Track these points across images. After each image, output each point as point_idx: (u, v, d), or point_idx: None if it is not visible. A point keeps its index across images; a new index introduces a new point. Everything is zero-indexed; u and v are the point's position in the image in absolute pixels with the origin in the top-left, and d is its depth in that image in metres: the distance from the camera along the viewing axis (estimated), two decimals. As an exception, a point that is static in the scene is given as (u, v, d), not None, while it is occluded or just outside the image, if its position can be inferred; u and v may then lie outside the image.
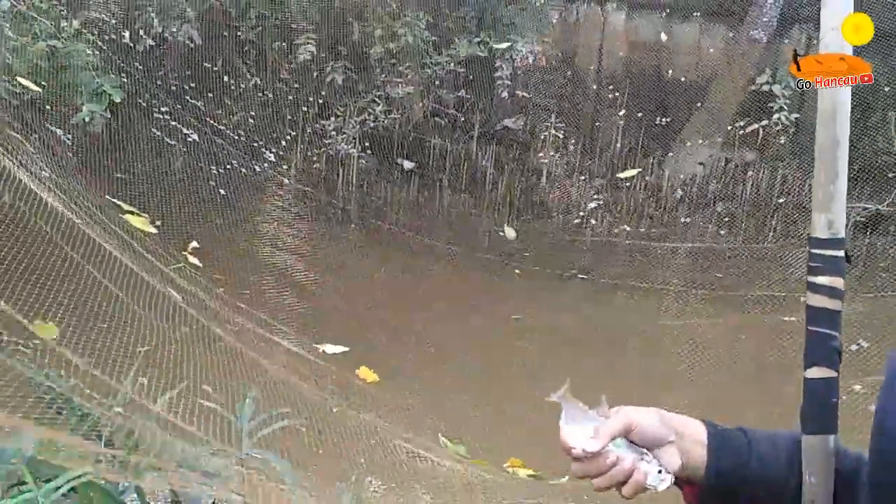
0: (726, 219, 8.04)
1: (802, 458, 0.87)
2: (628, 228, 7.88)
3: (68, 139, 6.44)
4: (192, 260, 4.40)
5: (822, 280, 0.97)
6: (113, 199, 4.32)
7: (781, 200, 8.22)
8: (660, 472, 0.98)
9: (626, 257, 7.55)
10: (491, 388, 5.23)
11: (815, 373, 0.95)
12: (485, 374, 5.46)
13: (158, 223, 4.75)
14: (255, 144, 7.82)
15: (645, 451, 0.99)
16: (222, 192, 6.79)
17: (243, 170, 7.40)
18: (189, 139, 7.44)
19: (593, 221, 7.92)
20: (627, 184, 8.17)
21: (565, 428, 1.01)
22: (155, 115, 7.73)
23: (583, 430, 1.00)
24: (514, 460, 3.66)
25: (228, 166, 7.32)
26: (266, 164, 7.82)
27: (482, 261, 7.17)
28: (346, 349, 4.73)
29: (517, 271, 6.95)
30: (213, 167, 7.24)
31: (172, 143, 7.47)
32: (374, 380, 4.03)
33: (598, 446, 0.97)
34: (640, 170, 8.05)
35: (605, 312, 6.52)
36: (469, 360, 5.65)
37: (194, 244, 4.55)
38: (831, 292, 0.98)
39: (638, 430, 0.98)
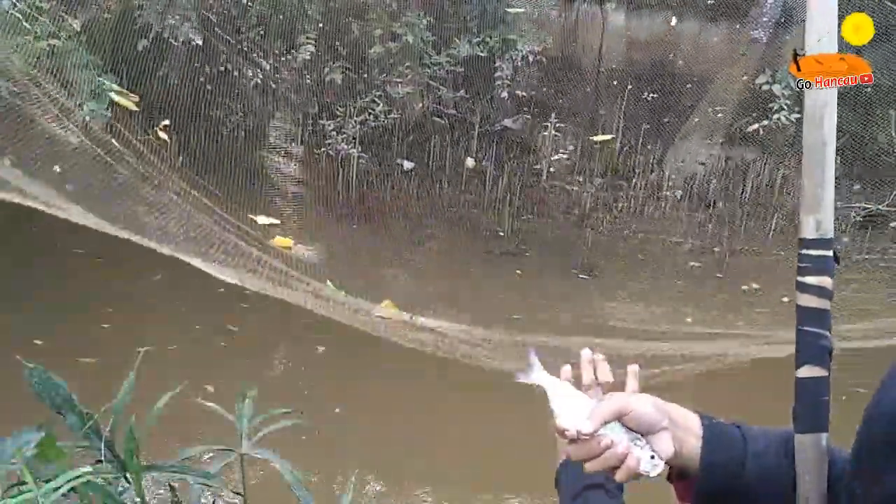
0: (727, 218, 8.05)
1: (796, 456, 0.88)
2: (628, 228, 7.88)
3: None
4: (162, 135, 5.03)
5: (811, 280, 0.98)
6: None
7: (782, 200, 8.22)
8: (652, 457, 0.97)
9: (627, 257, 7.56)
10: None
11: (806, 372, 0.96)
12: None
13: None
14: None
15: (638, 436, 0.97)
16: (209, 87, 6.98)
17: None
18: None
19: (593, 221, 7.92)
20: (599, 145, 8.13)
21: (558, 409, 1.00)
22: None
23: (576, 411, 0.99)
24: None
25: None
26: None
27: (482, 261, 7.18)
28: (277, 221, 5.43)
29: (518, 272, 6.96)
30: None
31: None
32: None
33: (592, 428, 0.96)
34: (612, 136, 8.08)
35: (606, 312, 6.52)
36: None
37: (165, 122, 5.20)
38: (820, 292, 0.99)
39: (632, 414, 0.97)
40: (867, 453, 0.71)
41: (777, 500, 0.96)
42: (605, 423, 0.98)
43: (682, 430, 0.99)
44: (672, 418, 0.99)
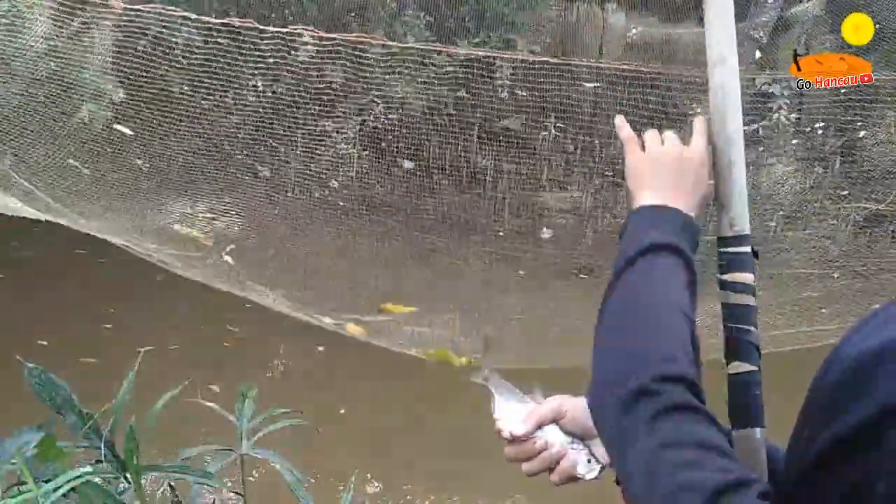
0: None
1: (735, 452, 0.86)
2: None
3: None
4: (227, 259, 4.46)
5: (731, 277, 0.98)
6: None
7: (781, 199, 8.22)
8: (589, 461, 0.97)
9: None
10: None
11: (736, 367, 0.95)
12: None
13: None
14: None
15: (576, 439, 0.98)
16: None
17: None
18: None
19: (594, 221, 7.92)
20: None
21: (497, 412, 1.02)
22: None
23: (515, 413, 1.01)
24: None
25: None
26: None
27: (482, 260, 7.17)
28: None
29: (521, 272, 6.95)
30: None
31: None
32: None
33: (524, 430, 0.97)
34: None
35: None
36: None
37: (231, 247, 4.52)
38: (743, 287, 0.99)
39: (568, 416, 0.98)
40: (821, 400, 0.71)
41: None
42: (541, 425, 0.98)
43: None
44: None
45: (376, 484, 4.46)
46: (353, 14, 7.87)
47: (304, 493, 1.82)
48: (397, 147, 8.01)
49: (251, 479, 3.72)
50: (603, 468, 0.98)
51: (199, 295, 5.92)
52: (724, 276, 0.98)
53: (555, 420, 0.99)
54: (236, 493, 2.01)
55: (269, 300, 3.84)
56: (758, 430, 0.93)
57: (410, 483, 4.55)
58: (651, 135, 1.07)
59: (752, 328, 0.97)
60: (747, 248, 0.99)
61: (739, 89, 1.05)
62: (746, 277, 0.98)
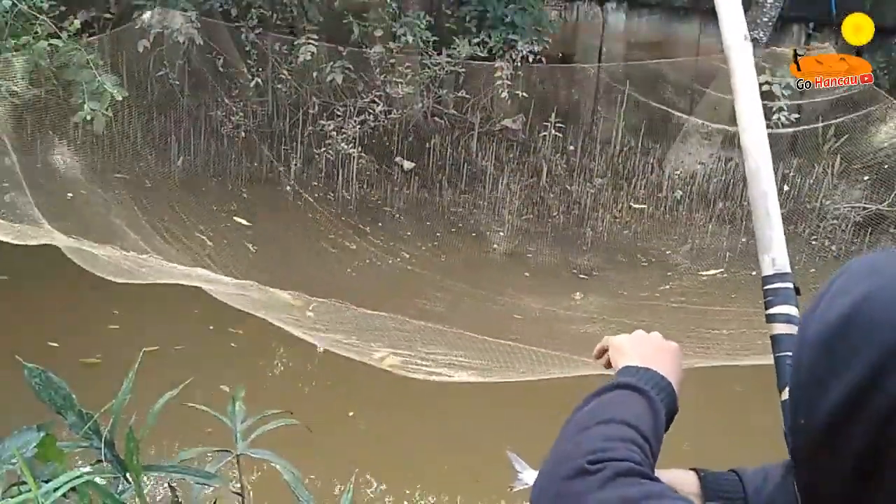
0: (727, 218, 8.04)
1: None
2: (628, 228, 7.88)
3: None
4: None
5: (777, 310, 1.09)
6: None
7: (781, 199, 8.22)
8: None
9: (627, 256, 7.56)
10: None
11: (787, 394, 0.98)
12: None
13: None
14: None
15: None
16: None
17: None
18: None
19: (593, 221, 7.92)
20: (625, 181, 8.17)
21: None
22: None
23: None
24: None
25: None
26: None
27: (482, 261, 7.18)
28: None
29: (525, 273, 6.95)
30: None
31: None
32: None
33: None
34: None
35: (606, 312, 6.52)
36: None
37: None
38: (788, 318, 1.09)
39: None
40: (804, 384, 0.78)
41: None
42: None
43: (677, 488, 1.02)
44: (667, 480, 0.99)
45: (376, 485, 4.47)
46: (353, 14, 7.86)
47: (305, 492, 1.82)
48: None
49: (254, 478, 3.72)
50: None
51: (204, 296, 5.93)
52: (770, 311, 1.09)
53: None
54: (236, 493, 2.02)
55: (335, 340, 4.01)
56: None
57: (411, 484, 4.55)
58: (636, 334, 1.16)
59: None
60: (789, 284, 1.10)
61: (769, 150, 1.16)
62: (790, 310, 1.08)
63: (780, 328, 1.07)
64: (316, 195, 7.83)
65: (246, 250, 6.70)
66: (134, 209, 6.85)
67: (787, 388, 0.97)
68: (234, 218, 7.23)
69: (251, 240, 6.93)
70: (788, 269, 1.12)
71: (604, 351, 1.16)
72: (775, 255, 1.12)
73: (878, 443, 0.70)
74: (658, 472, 0.98)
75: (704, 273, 7.31)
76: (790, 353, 1.01)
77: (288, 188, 7.93)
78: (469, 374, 3.97)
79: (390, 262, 6.95)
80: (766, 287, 1.10)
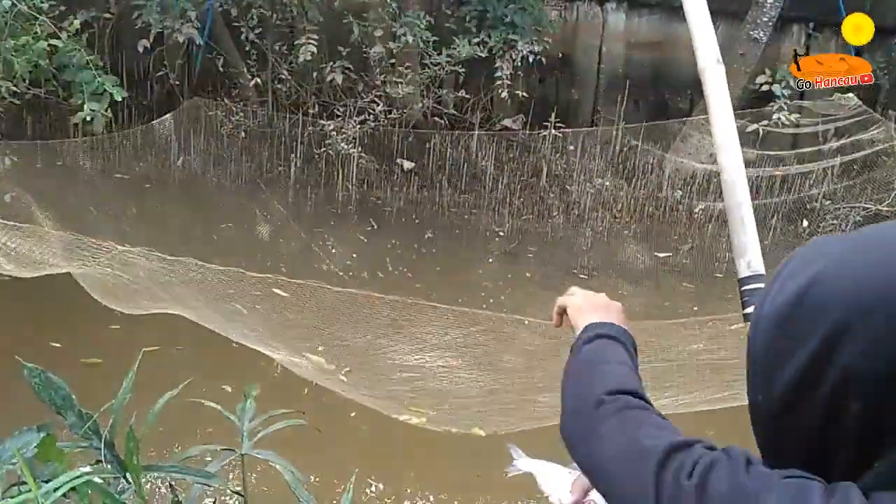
0: (727, 218, 8.03)
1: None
2: (628, 228, 7.88)
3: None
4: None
5: (752, 310, 1.14)
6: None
7: (782, 199, 8.22)
8: None
9: (627, 257, 7.56)
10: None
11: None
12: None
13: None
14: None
15: None
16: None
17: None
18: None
19: (593, 221, 7.92)
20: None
21: (546, 489, 1.18)
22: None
23: (562, 485, 1.17)
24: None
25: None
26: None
27: (482, 261, 7.18)
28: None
29: (527, 274, 6.95)
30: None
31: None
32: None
33: (574, 498, 1.14)
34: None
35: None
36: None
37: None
38: None
39: None
40: (760, 363, 0.85)
41: None
42: (587, 491, 1.14)
43: None
44: None
45: (376, 485, 4.46)
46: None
47: (305, 493, 1.82)
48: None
49: (254, 478, 3.72)
50: None
51: (205, 296, 5.91)
52: (747, 310, 1.17)
53: None
54: (237, 493, 2.01)
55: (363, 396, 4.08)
56: None
57: (411, 484, 4.55)
58: (576, 289, 1.35)
59: None
60: (763, 284, 1.16)
61: (743, 165, 1.30)
62: None
63: None
64: (316, 194, 7.84)
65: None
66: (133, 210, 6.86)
67: None
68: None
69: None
70: (763, 271, 1.20)
71: (561, 314, 1.31)
72: (750, 259, 1.20)
73: (831, 415, 0.76)
74: None
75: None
76: None
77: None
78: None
79: (389, 263, 6.95)
80: (742, 288, 1.18)
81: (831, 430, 0.77)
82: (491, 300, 6.51)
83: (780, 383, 0.80)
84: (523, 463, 1.22)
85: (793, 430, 0.81)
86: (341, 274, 6.84)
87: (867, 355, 0.74)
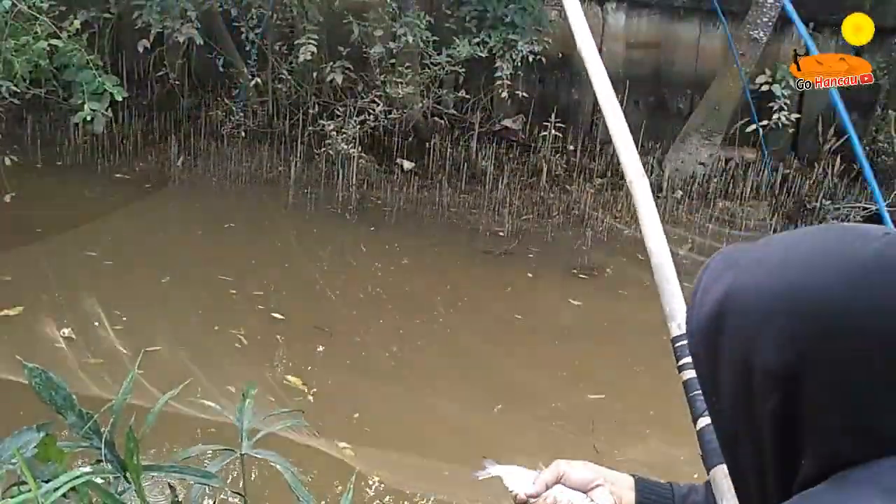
0: (727, 218, 8.04)
1: (712, 488, 1.04)
2: (628, 228, 7.87)
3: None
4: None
5: (686, 360, 1.18)
6: None
7: (782, 199, 8.23)
8: None
9: (627, 257, 7.55)
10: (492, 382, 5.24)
11: (703, 422, 1.13)
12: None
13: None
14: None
15: (580, 493, 1.19)
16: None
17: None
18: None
19: (593, 221, 7.91)
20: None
21: (510, 485, 1.24)
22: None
23: (525, 480, 1.23)
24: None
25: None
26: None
27: (482, 261, 7.18)
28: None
29: (529, 274, 6.95)
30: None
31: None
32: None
33: (535, 490, 1.20)
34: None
35: (607, 312, 6.53)
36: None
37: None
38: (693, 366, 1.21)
39: (567, 475, 1.21)
40: (701, 372, 0.90)
41: None
42: (548, 485, 1.20)
43: (617, 486, 1.21)
44: (606, 477, 1.22)
45: (376, 485, 4.46)
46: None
47: (304, 493, 1.82)
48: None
49: (253, 478, 3.72)
50: None
51: (207, 296, 5.94)
52: (681, 362, 1.20)
53: (558, 480, 1.21)
54: (237, 493, 2.01)
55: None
56: (723, 465, 1.05)
57: (411, 484, 4.56)
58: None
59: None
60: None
61: (668, 248, 1.35)
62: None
63: (690, 374, 1.18)
64: (316, 195, 7.84)
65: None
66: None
67: (700, 419, 1.14)
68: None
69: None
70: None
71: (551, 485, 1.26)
72: (680, 321, 1.25)
73: (781, 414, 0.78)
74: (600, 468, 1.23)
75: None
76: (698, 392, 1.12)
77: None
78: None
79: (389, 263, 6.95)
80: (675, 345, 1.23)
81: (779, 434, 0.79)
82: (491, 300, 6.51)
83: (725, 392, 0.85)
84: (493, 469, 1.28)
85: (746, 443, 0.84)
86: (341, 274, 6.85)
87: (778, 351, 0.77)
